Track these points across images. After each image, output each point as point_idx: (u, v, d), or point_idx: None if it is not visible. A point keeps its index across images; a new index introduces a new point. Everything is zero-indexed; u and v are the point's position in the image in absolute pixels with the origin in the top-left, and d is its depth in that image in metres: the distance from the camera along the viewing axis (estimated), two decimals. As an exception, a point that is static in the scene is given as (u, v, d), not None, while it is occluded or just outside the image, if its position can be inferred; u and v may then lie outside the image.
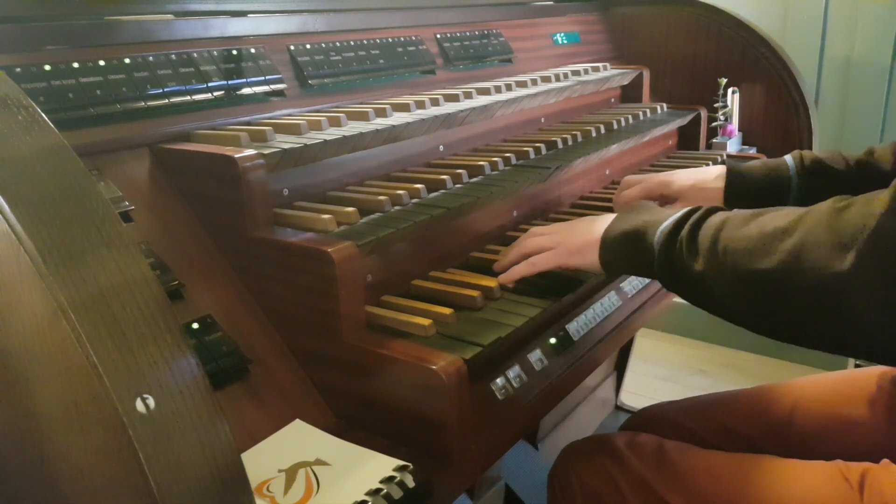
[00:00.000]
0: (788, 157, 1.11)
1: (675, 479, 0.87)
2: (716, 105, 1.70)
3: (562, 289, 0.92)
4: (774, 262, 0.66)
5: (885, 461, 0.82)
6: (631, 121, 1.46)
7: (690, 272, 0.74)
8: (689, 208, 0.78)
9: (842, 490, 0.80)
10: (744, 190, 1.11)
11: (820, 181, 1.08)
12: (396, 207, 0.92)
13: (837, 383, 1.03)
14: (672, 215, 0.78)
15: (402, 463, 0.68)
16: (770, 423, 1.02)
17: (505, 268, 0.93)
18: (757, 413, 1.04)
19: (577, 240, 0.88)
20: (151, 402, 0.47)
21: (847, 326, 0.65)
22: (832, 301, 0.63)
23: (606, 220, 0.88)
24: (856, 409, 0.98)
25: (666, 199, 1.13)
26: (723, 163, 1.20)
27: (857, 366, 2.02)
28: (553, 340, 0.88)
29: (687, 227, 0.75)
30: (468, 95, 1.20)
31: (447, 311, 0.83)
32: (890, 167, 1.06)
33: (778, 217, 0.69)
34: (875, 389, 0.99)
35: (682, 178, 1.12)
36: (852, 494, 0.79)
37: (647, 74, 1.69)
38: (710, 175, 1.12)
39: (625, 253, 0.82)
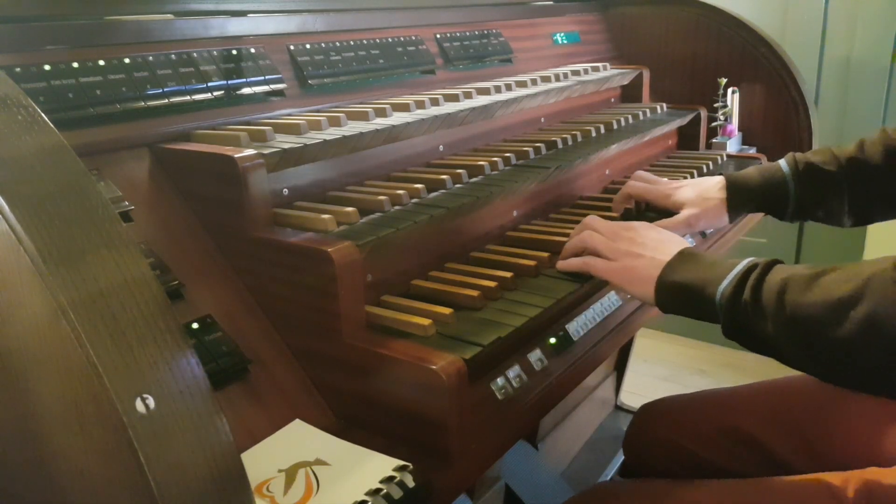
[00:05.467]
0: (783, 162, 1.13)
1: None
2: (716, 105, 1.70)
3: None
4: (847, 331, 0.68)
5: (872, 468, 0.83)
6: (631, 121, 1.46)
7: (760, 334, 0.76)
8: (745, 265, 0.80)
9: (829, 501, 0.80)
10: (745, 198, 1.14)
11: (816, 184, 1.10)
12: (396, 207, 0.92)
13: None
14: (729, 273, 0.80)
15: (401, 463, 0.68)
16: (772, 419, 1.02)
17: (565, 256, 0.98)
18: (759, 409, 1.05)
19: (637, 271, 0.89)
20: (151, 402, 0.47)
21: None
22: None
23: (666, 249, 0.89)
24: (850, 405, 0.98)
25: (669, 208, 1.16)
26: (720, 173, 1.24)
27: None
28: (553, 340, 0.88)
29: (748, 289, 0.77)
30: (468, 95, 1.20)
31: (447, 311, 0.83)
32: (880, 160, 1.08)
33: (840, 282, 0.70)
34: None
35: (686, 189, 1.15)
36: None
37: (646, 74, 1.69)
38: (712, 185, 1.15)
39: (682, 303, 0.85)
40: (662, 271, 0.87)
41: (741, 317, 0.77)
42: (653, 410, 1.18)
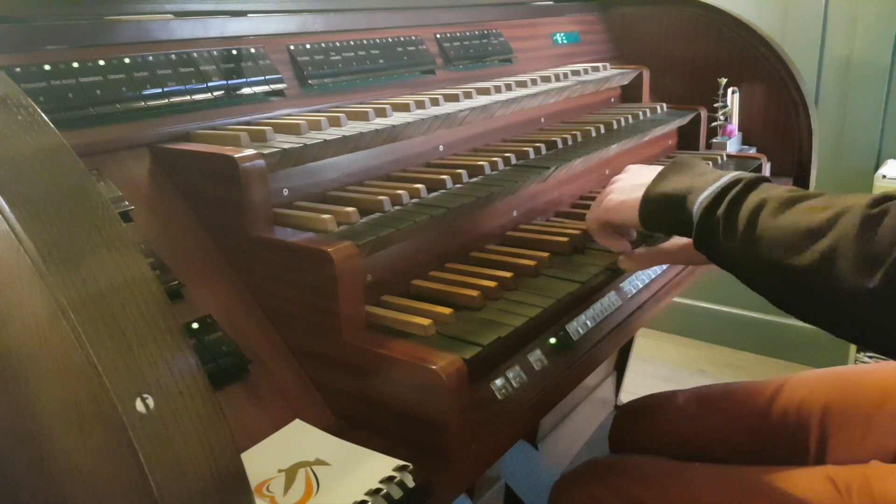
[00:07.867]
0: None
1: (667, 495, 0.88)
2: (716, 105, 1.70)
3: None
4: (805, 261, 0.66)
5: (874, 461, 0.82)
6: (631, 121, 1.46)
7: (725, 249, 0.75)
8: (729, 178, 0.77)
9: (831, 495, 0.80)
10: None
11: None
12: (396, 207, 0.92)
13: (832, 378, 1.03)
14: (713, 184, 0.77)
15: (401, 463, 0.68)
16: (760, 418, 1.03)
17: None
18: (749, 407, 1.05)
19: (620, 196, 0.88)
20: (151, 401, 0.47)
21: (869, 328, 0.65)
22: (856, 309, 0.64)
23: (651, 174, 0.87)
24: (849, 404, 0.98)
25: None
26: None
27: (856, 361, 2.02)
28: (553, 340, 0.88)
29: (725, 203, 0.75)
30: (468, 95, 1.20)
31: (447, 310, 0.83)
32: None
33: (814, 211, 0.68)
34: (870, 385, 0.99)
35: None
36: (841, 499, 0.79)
37: (646, 74, 1.69)
38: None
39: (663, 215, 0.83)
40: (651, 183, 0.84)
41: (712, 230, 0.75)
42: (644, 406, 1.18)
